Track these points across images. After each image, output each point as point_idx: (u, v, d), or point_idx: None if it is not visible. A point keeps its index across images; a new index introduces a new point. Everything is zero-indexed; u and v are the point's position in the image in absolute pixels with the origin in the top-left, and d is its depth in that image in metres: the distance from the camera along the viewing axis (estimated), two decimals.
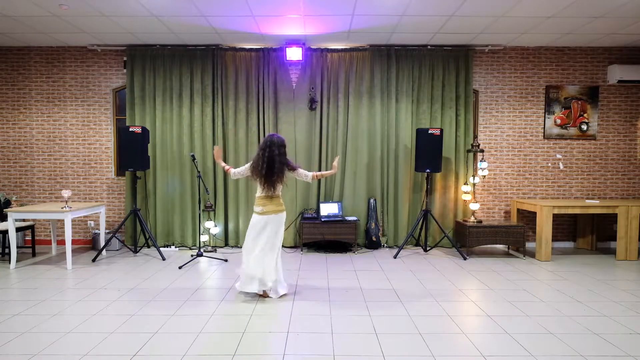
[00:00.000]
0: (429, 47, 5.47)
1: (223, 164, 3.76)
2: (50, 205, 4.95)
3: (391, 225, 5.60)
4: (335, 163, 3.69)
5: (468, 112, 5.51)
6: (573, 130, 5.66)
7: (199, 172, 4.88)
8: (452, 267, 4.58)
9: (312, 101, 5.52)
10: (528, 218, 5.68)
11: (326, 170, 3.57)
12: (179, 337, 2.74)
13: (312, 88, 5.52)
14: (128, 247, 5.34)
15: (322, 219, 5.22)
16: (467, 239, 5.03)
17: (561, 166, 5.66)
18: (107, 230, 5.48)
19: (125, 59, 5.51)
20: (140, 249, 5.37)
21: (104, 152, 5.70)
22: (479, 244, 5.03)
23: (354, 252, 5.32)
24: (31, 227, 5.09)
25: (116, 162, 5.72)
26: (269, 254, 3.47)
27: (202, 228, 5.37)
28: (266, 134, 5.42)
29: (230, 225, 5.57)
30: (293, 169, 3.55)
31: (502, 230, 5.03)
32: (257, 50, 5.50)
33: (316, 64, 5.50)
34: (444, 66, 5.50)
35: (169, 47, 5.46)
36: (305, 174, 3.60)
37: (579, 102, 5.63)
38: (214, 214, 5.53)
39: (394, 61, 5.49)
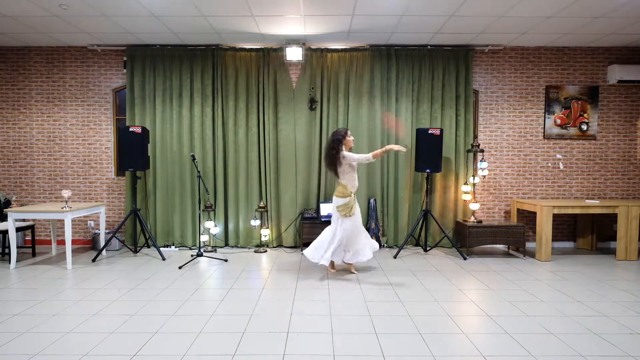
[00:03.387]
0: (429, 47, 5.47)
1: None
2: (50, 205, 4.95)
3: (391, 225, 5.60)
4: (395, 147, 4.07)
5: (468, 112, 5.51)
6: (573, 130, 5.66)
7: (199, 172, 4.88)
8: (452, 267, 4.58)
9: (312, 101, 5.52)
10: (528, 218, 5.69)
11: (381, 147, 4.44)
12: (179, 337, 2.74)
13: (312, 88, 5.52)
14: (128, 247, 5.34)
15: (322, 219, 5.22)
16: (467, 239, 5.03)
17: (561, 166, 5.67)
18: (107, 230, 5.48)
19: (125, 59, 5.51)
20: (140, 249, 5.37)
21: (104, 152, 5.70)
22: (479, 244, 5.03)
23: None
24: (31, 227, 5.09)
25: (116, 162, 5.73)
26: (328, 228, 4.21)
27: (202, 228, 5.37)
28: (266, 134, 5.48)
29: (230, 225, 5.57)
30: (338, 155, 4.04)
31: (502, 230, 5.03)
32: (257, 50, 5.50)
33: (316, 64, 5.50)
34: (444, 66, 5.50)
35: (169, 47, 5.47)
36: (366, 157, 4.01)
37: (579, 102, 5.64)
38: (214, 214, 5.53)
39: (394, 61, 5.49)
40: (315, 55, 5.50)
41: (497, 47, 5.53)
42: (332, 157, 4.06)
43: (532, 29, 4.91)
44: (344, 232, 4.09)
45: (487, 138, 5.69)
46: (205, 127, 5.49)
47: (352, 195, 4.11)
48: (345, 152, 4.05)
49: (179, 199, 5.52)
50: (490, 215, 5.74)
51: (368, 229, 5.48)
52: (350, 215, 4.06)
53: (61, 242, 5.62)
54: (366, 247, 4.21)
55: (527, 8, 4.27)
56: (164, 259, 4.89)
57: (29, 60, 5.63)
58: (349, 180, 4.09)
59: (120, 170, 5.67)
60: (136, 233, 5.35)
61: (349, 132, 4.18)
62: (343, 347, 2.59)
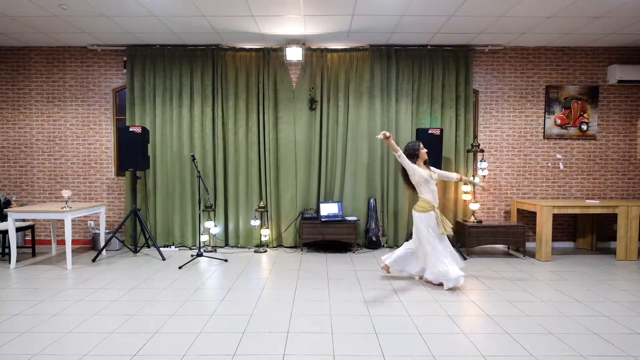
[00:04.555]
0: (429, 47, 5.47)
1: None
2: (50, 205, 4.95)
3: (391, 225, 5.60)
4: (482, 184, 4.26)
5: (468, 112, 5.51)
6: (573, 130, 5.66)
7: (199, 172, 4.88)
8: None
9: (312, 101, 5.52)
10: (528, 218, 5.69)
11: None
12: (179, 337, 2.74)
13: (312, 88, 5.52)
14: (128, 247, 5.34)
15: (322, 219, 5.22)
16: (467, 239, 5.03)
17: (561, 166, 5.66)
18: (107, 230, 5.48)
19: (125, 59, 5.51)
20: (140, 249, 5.37)
21: (104, 152, 5.70)
22: (479, 244, 5.03)
23: (354, 252, 5.32)
24: (31, 227, 5.09)
25: (116, 162, 5.73)
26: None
27: (202, 228, 5.37)
28: (266, 134, 5.48)
29: (230, 226, 5.58)
30: (409, 172, 3.91)
31: (502, 230, 5.03)
32: (257, 50, 5.50)
33: (316, 64, 5.50)
34: (444, 66, 5.50)
35: (169, 47, 5.46)
36: (448, 175, 4.10)
37: (579, 102, 5.63)
38: (214, 214, 5.53)
39: (394, 61, 5.49)
40: (315, 55, 5.50)
41: (497, 47, 5.53)
42: (405, 172, 3.96)
43: (532, 29, 4.91)
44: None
45: (487, 138, 5.69)
46: (205, 127, 5.49)
47: (435, 209, 3.86)
48: (411, 167, 3.86)
49: (179, 199, 5.52)
50: (490, 215, 5.74)
51: (368, 229, 5.49)
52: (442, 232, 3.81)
53: (61, 242, 5.62)
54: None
55: (527, 8, 4.27)
56: (164, 259, 4.89)
57: (29, 60, 5.63)
58: (426, 193, 3.86)
59: (120, 170, 5.67)
60: (136, 233, 5.34)
61: (421, 145, 4.00)
62: (343, 347, 2.59)
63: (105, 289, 3.78)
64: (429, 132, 5.07)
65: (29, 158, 5.70)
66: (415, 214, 3.91)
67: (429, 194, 3.85)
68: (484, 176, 5.53)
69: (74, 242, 5.62)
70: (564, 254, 5.30)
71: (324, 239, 5.24)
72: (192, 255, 5.02)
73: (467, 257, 4.98)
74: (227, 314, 3.16)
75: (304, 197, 5.60)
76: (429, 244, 3.81)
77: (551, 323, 2.98)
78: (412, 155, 3.93)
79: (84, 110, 5.67)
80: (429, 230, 3.81)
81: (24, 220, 5.13)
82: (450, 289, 3.76)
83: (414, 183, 3.92)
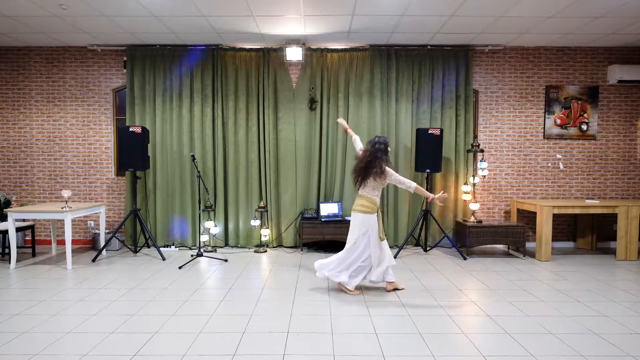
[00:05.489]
0: (429, 47, 5.47)
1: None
2: (50, 205, 4.94)
3: (391, 225, 5.59)
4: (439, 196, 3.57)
5: (468, 112, 5.51)
6: (573, 130, 5.66)
7: (199, 172, 4.88)
8: (452, 267, 4.58)
9: (312, 101, 5.52)
10: (528, 218, 5.69)
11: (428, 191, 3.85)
12: (179, 337, 2.74)
13: (312, 88, 5.52)
14: (128, 247, 5.34)
15: (322, 219, 5.22)
16: (467, 239, 5.02)
17: (561, 166, 5.66)
18: (107, 230, 5.48)
19: (125, 59, 5.51)
20: (140, 249, 5.37)
21: (104, 152, 5.70)
22: (479, 244, 5.03)
23: None
24: (31, 227, 5.09)
25: (116, 162, 5.73)
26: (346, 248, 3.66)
27: (202, 228, 5.37)
28: (266, 134, 5.48)
29: (230, 226, 5.57)
30: (381, 171, 3.46)
31: (502, 230, 5.03)
32: (257, 50, 5.50)
33: (316, 64, 5.50)
34: (444, 66, 5.50)
35: (169, 47, 5.46)
36: (408, 184, 3.50)
37: (579, 102, 5.63)
38: (214, 214, 5.53)
39: (394, 61, 5.49)
40: (315, 55, 5.50)
41: (497, 47, 5.53)
42: (373, 167, 3.48)
43: (532, 29, 4.91)
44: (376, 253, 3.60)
45: (487, 138, 5.69)
46: (205, 127, 5.49)
47: (378, 211, 3.60)
48: (388, 169, 3.51)
49: (179, 199, 5.52)
50: (490, 215, 5.74)
51: None
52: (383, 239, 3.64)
53: (61, 242, 5.62)
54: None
55: (527, 8, 4.27)
56: (164, 259, 4.89)
57: (29, 60, 5.63)
58: (377, 195, 3.58)
59: (120, 170, 5.67)
60: (136, 233, 5.35)
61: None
62: (343, 347, 2.59)
63: (105, 289, 3.78)
64: (429, 132, 5.07)
65: (29, 158, 5.70)
66: (360, 215, 3.52)
67: (377, 196, 3.58)
68: (484, 176, 5.54)
69: (74, 242, 5.62)
70: (564, 254, 5.30)
71: (324, 239, 5.24)
72: (192, 255, 5.02)
73: (467, 257, 4.98)
74: (227, 314, 3.16)
75: (304, 197, 5.60)
76: (358, 246, 3.58)
77: (551, 323, 2.98)
78: (386, 151, 3.56)
79: (84, 110, 5.67)
80: (363, 235, 3.54)
81: (24, 220, 5.13)
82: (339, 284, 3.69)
83: (377, 183, 3.53)
